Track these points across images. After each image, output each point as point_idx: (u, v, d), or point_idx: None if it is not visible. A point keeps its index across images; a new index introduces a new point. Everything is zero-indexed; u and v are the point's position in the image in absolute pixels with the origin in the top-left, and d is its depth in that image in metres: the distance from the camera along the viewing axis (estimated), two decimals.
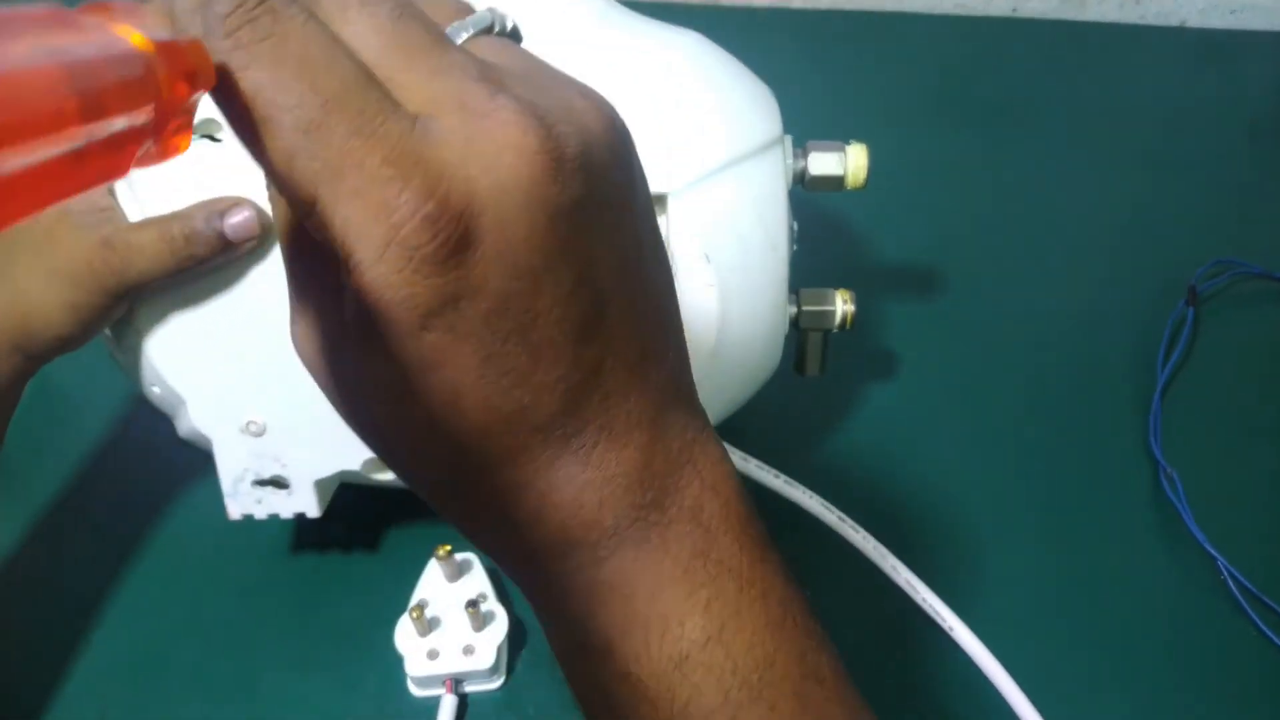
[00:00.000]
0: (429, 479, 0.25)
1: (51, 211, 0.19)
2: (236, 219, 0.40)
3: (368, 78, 0.20)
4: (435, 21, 0.22)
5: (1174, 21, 0.91)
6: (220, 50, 0.19)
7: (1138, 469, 0.56)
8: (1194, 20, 0.90)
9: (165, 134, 0.19)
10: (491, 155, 0.20)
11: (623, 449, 0.24)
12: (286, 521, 0.51)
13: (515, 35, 0.24)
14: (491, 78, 0.21)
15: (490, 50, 0.23)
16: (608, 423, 0.24)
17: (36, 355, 0.43)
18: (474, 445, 0.23)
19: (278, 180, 0.20)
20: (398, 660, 0.46)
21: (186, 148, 0.20)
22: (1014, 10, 0.91)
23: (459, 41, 0.23)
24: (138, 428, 0.57)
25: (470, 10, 0.24)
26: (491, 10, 0.24)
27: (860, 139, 0.47)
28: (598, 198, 0.22)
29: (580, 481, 0.24)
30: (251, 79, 0.19)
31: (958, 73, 0.84)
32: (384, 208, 0.20)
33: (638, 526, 0.25)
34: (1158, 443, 0.56)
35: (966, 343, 0.63)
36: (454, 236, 0.20)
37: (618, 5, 0.46)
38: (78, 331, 0.42)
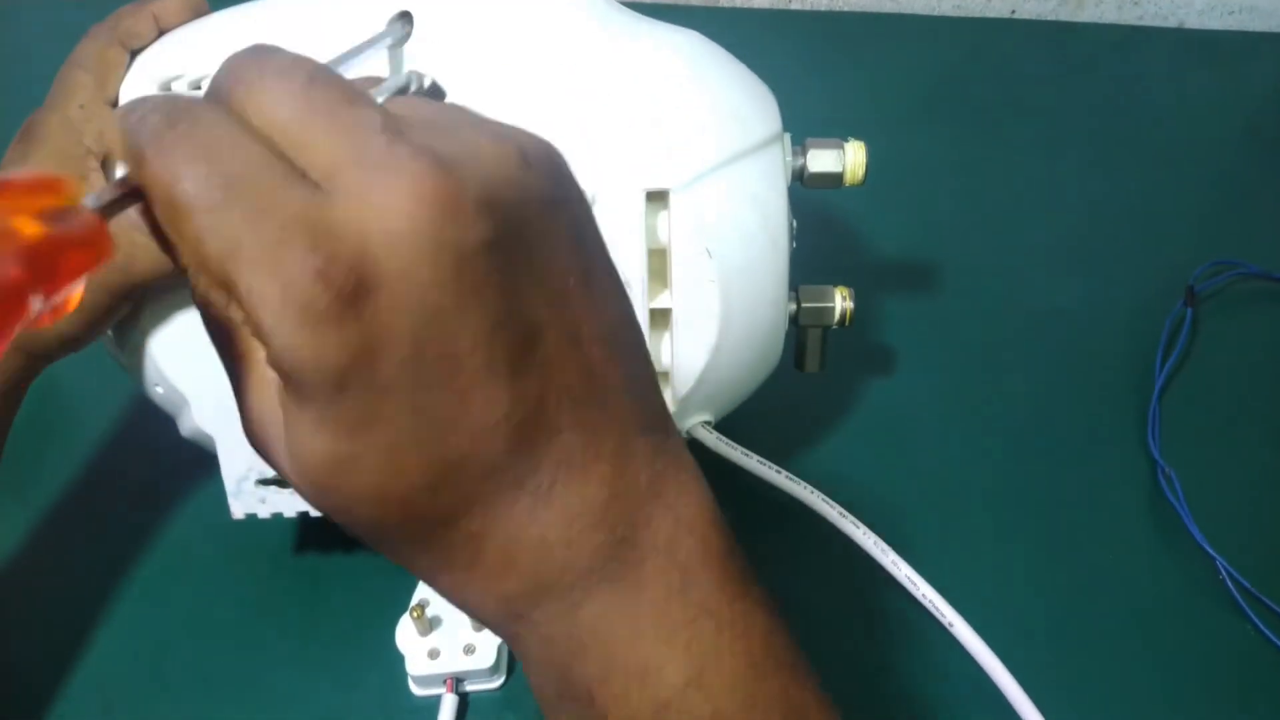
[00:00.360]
0: (391, 542, 0.24)
1: None
2: None
3: (271, 157, 0.21)
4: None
5: (1172, 22, 0.91)
6: (148, 156, 0.21)
7: (1136, 468, 0.56)
8: (1192, 21, 0.91)
9: (57, 302, 0.20)
10: (386, 204, 0.20)
11: (584, 485, 0.24)
12: (289, 520, 0.51)
13: (435, 92, 0.25)
14: (394, 129, 0.21)
15: (403, 106, 0.23)
16: (564, 458, 0.23)
17: (41, 355, 0.43)
18: (426, 502, 0.23)
19: (197, 266, 0.21)
20: (399, 659, 0.46)
21: (77, 303, 0.21)
22: (1012, 11, 0.91)
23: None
24: (139, 427, 0.57)
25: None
26: (411, 72, 0.25)
27: (860, 139, 0.48)
28: (514, 234, 0.22)
29: (544, 522, 0.24)
30: (164, 171, 0.20)
31: (956, 73, 0.84)
32: (276, 269, 0.20)
33: (611, 566, 0.24)
34: (1156, 442, 0.57)
35: (966, 341, 0.63)
36: (348, 287, 0.20)
37: (618, 5, 0.46)
38: (82, 331, 0.42)
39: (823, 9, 0.91)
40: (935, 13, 0.91)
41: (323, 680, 0.47)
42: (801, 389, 0.56)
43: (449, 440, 0.22)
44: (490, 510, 0.23)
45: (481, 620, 0.26)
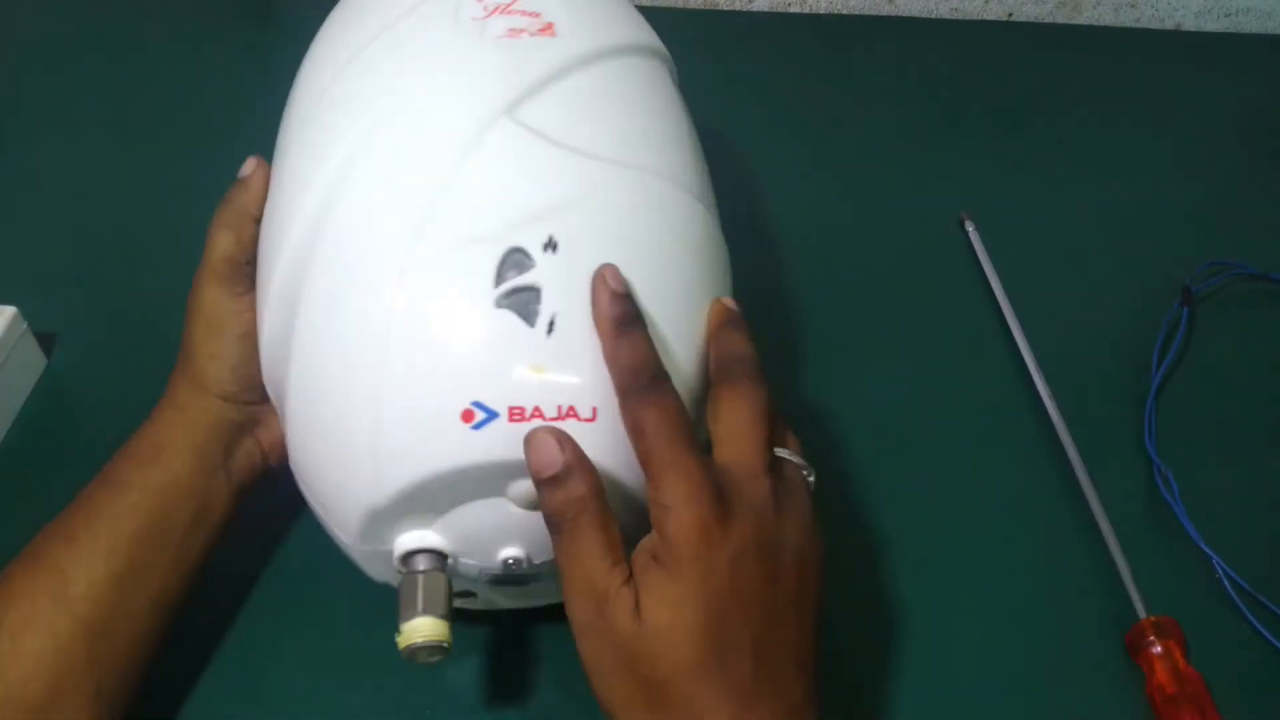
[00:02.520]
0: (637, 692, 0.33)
1: None
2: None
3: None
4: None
5: (1169, 25, 0.91)
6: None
7: (1133, 468, 0.56)
8: (1189, 23, 0.91)
9: None
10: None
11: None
12: (288, 519, 0.51)
13: None
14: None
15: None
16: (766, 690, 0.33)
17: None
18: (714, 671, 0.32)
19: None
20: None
21: None
22: (1010, 14, 0.91)
23: None
24: None
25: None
26: None
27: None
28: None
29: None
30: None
31: (955, 77, 0.84)
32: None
33: None
34: (1153, 442, 0.57)
35: (965, 340, 0.63)
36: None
37: None
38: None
39: (821, 12, 0.92)
40: (933, 15, 0.91)
41: (323, 679, 0.47)
42: (802, 385, 0.57)
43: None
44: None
45: None
